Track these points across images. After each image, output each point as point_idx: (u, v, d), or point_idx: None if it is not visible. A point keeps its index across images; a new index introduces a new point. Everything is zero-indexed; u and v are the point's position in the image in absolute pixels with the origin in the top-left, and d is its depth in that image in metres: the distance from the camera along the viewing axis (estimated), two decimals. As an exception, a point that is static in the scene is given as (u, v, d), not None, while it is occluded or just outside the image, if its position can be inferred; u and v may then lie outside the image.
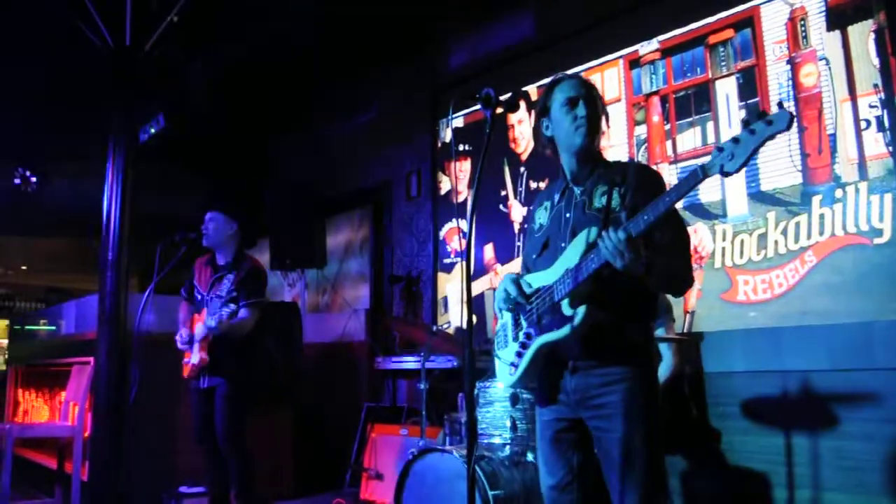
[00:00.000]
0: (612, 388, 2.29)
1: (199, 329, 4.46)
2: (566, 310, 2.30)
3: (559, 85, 2.54)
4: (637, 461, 2.25)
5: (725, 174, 1.97)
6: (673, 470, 4.00)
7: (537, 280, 2.46)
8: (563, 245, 2.40)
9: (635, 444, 2.25)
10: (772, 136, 1.91)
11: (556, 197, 2.58)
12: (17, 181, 8.13)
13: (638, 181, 2.37)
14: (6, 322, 14.57)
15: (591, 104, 2.47)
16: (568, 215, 2.48)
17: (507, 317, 2.57)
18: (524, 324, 2.47)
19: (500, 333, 2.61)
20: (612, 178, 2.41)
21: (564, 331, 2.30)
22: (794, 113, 1.92)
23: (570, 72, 2.65)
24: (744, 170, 3.98)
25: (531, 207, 2.75)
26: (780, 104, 1.92)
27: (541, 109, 2.59)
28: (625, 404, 2.27)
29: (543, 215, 2.61)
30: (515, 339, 2.51)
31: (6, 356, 12.50)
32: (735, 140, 1.94)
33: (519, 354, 2.47)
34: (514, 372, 2.50)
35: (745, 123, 1.93)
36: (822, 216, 3.77)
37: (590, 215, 2.40)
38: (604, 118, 2.53)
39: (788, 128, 1.89)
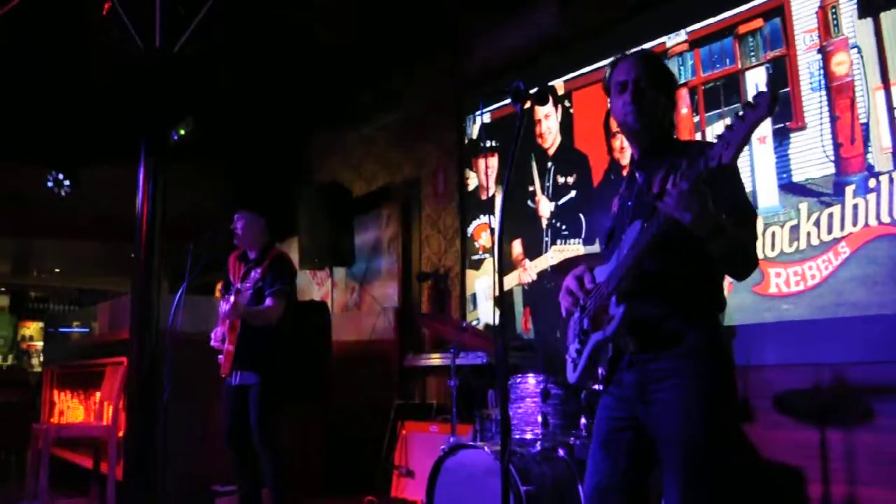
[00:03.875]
0: (669, 383, 2.17)
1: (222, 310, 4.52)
2: (612, 308, 2.24)
3: (615, 67, 2.42)
4: (691, 465, 2.11)
5: (723, 165, 1.86)
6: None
7: (601, 273, 2.37)
8: (623, 236, 2.29)
9: (691, 446, 2.12)
10: (759, 121, 1.79)
11: (624, 184, 2.48)
12: (50, 184, 8.23)
13: (696, 155, 2.11)
14: (41, 324, 14.80)
15: (644, 85, 2.34)
16: (630, 203, 2.38)
17: (575, 311, 2.47)
18: (585, 320, 2.39)
19: (571, 327, 2.51)
20: (673, 161, 2.20)
21: (608, 330, 2.24)
22: (771, 93, 1.80)
23: (603, 64, 2.53)
24: (774, 160, 4.00)
25: (613, 195, 2.60)
26: (768, 87, 1.82)
27: (606, 93, 2.48)
28: (681, 402, 2.14)
29: (616, 203, 2.50)
30: (578, 335, 2.43)
31: (41, 358, 12.70)
32: (730, 128, 1.84)
33: (579, 352, 2.40)
34: (575, 369, 2.45)
35: (745, 106, 1.82)
36: (855, 206, 3.72)
37: (648, 202, 2.23)
38: (662, 95, 2.37)
39: (770, 111, 1.77)
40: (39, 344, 14.41)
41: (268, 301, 4.51)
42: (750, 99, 1.80)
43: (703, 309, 2.29)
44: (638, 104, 2.33)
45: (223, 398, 4.65)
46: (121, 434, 5.45)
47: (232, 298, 4.41)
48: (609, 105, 2.47)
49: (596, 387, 3.54)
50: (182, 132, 6.24)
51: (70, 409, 7.18)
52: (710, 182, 1.96)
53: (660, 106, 2.38)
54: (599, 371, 2.41)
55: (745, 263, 2.25)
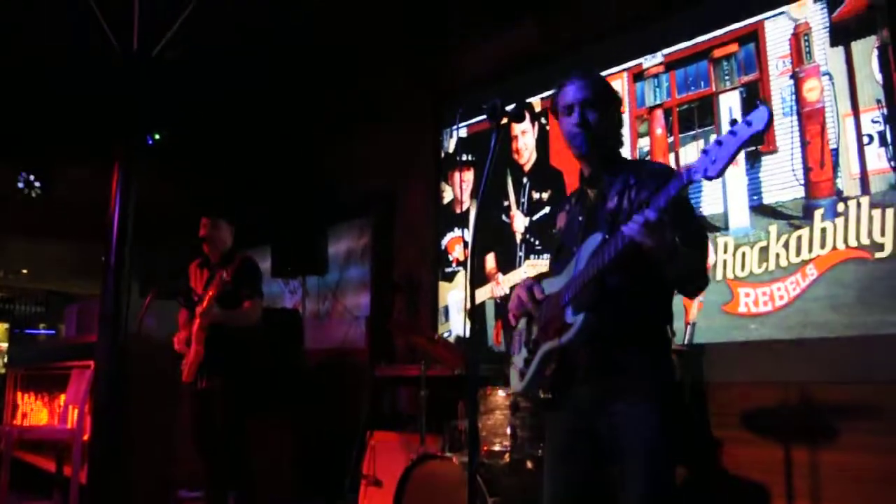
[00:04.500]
0: (624, 396, 2.23)
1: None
2: (568, 317, 2.26)
3: (560, 90, 2.49)
4: (645, 475, 2.18)
5: (708, 178, 1.91)
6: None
7: (550, 285, 2.41)
8: (574, 249, 2.35)
9: (651, 458, 2.19)
10: (752, 138, 1.83)
11: (573, 200, 2.55)
12: (20, 184, 8.14)
13: (649, 177, 2.28)
14: (6, 325, 14.58)
15: (591, 108, 2.41)
16: (581, 218, 2.44)
17: (522, 323, 2.52)
18: (534, 330, 2.43)
19: (516, 339, 2.56)
20: (626, 179, 2.35)
21: (565, 339, 2.26)
22: (771, 112, 1.83)
23: (579, 72, 2.54)
24: (745, 182, 4.06)
25: (556, 210, 2.70)
26: (761, 101, 1.87)
27: (553, 115, 2.56)
28: (639, 416, 2.20)
29: (563, 219, 2.58)
30: (526, 344, 2.46)
31: (5, 359, 12.51)
32: (718, 143, 1.88)
33: (527, 362, 2.44)
34: (523, 379, 2.47)
35: (732, 124, 1.87)
36: (823, 230, 3.79)
37: (601, 217, 2.34)
38: (607, 116, 2.44)
39: (766, 129, 1.82)
40: (4, 345, 14.19)
41: (246, 304, 4.49)
42: (738, 117, 1.84)
43: (656, 324, 2.36)
44: (583, 127, 2.40)
45: (189, 403, 4.61)
46: (86, 438, 5.39)
47: (205, 302, 4.38)
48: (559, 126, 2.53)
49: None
50: (157, 136, 6.22)
51: (34, 412, 7.09)
52: (673, 207, 2.03)
53: (602, 126, 2.43)
54: (549, 382, 2.43)
55: (696, 283, 2.35)
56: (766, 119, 1.81)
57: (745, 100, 4.20)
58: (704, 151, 1.91)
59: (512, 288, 5.37)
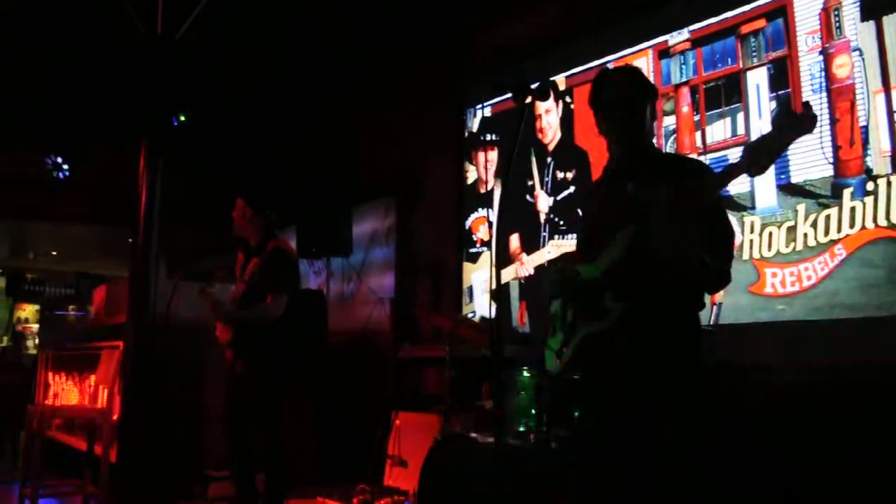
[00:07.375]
0: (657, 379, 2.24)
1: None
2: (608, 303, 2.28)
3: (600, 82, 2.57)
4: (672, 458, 2.19)
5: (753, 174, 2.01)
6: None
7: (585, 270, 2.43)
8: (607, 237, 2.37)
9: (673, 439, 2.20)
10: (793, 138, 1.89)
11: (609, 183, 2.56)
12: (48, 166, 8.22)
13: (687, 175, 2.35)
14: (37, 307, 14.77)
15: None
16: (619, 207, 2.45)
17: (557, 305, 2.53)
18: (571, 313, 2.44)
19: (551, 321, 2.57)
20: (664, 176, 2.38)
21: (601, 325, 2.30)
22: (817, 113, 1.84)
23: (605, 60, 2.63)
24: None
25: (592, 188, 2.76)
26: (805, 105, 1.87)
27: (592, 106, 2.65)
28: (668, 398, 2.22)
29: (597, 203, 2.61)
30: (563, 327, 2.48)
31: (37, 341, 12.69)
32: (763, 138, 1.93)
33: (565, 344, 2.45)
34: (560, 361, 2.47)
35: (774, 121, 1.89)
36: (852, 209, 3.73)
37: (637, 209, 2.34)
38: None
39: (810, 129, 1.87)
40: (35, 326, 14.38)
41: (268, 299, 4.44)
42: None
43: (688, 311, 2.38)
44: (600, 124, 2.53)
45: (225, 383, 4.62)
46: (115, 417, 5.47)
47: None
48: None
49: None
50: (183, 118, 6.24)
51: (65, 392, 7.19)
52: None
53: (640, 121, 2.51)
54: (587, 364, 2.44)
55: (712, 282, 2.48)
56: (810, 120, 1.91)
57: (773, 77, 4.13)
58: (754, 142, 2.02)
59: (537, 268, 5.37)
